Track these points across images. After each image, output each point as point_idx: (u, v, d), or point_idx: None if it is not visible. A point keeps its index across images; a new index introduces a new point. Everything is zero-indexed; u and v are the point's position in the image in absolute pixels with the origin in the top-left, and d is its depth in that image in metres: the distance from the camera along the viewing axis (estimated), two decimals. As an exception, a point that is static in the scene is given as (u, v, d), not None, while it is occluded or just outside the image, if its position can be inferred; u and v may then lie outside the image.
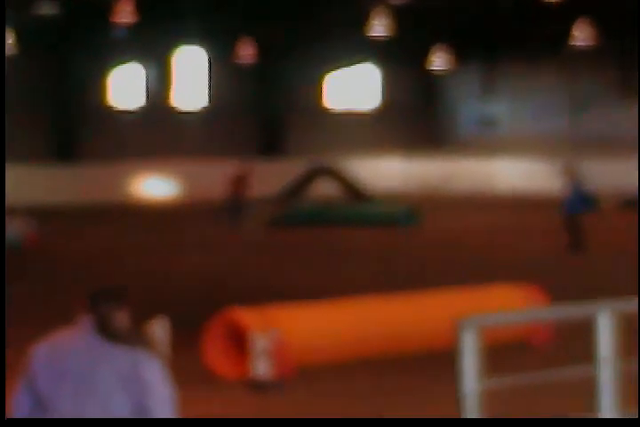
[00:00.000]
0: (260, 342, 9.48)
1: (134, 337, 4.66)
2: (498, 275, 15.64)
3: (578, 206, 20.31)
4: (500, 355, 10.43)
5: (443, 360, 9.78)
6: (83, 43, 34.74)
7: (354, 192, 28.93)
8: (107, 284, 5.28)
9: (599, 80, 39.78)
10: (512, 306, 10.52)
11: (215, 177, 35.31)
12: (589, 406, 5.05)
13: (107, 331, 4.64)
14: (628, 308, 5.28)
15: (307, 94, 40.43)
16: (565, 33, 35.27)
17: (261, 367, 9.46)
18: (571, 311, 5.16)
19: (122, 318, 4.66)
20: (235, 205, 25.95)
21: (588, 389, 5.17)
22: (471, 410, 4.55)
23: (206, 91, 39.06)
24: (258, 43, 35.89)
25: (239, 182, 26.48)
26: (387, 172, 38.95)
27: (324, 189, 30.82)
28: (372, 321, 10.51)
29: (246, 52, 36.18)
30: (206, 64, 38.95)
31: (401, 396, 9.35)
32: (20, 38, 32.00)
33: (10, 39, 31.30)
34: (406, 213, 25.96)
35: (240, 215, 25.52)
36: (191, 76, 38.79)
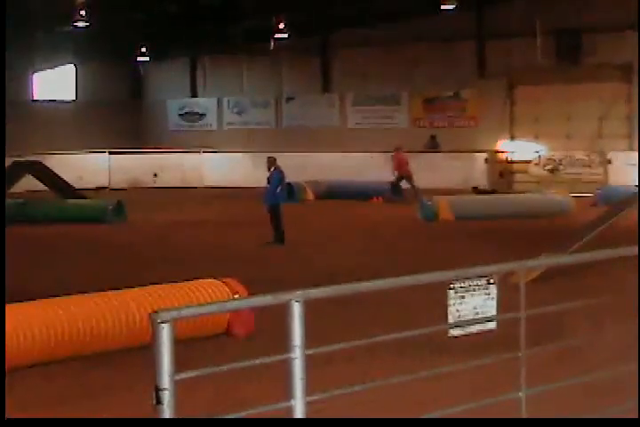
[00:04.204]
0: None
1: None
2: (202, 269, 15.83)
3: (278, 197, 20.78)
4: (202, 347, 10.62)
5: (146, 356, 9.82)
6: None
7: (59, 188, 28.34)
8: None
9: (302, 74, 40.86)
10: (214, 299, 10.70)
11: None
12: (286, 391, 5.21)
13: None
14: (319, 295, 5.48)
15: (9, 89, 39.24)
16: (268, 28, 35.99)
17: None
18: (264, 301, 5.28)
19: None
20: None
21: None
22: (168, 404, 4.61)
23: None
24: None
25: None
26: (93, 166, 38.44)
27: (29, 184, 30.08)
28: (75, 320, 10.38)
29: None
30: None
31: (104, 395, 9.30)
32: None
33: None
34: (113, 209, 25.70)
35: None
36: None
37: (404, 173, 30.46)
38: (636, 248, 6.00)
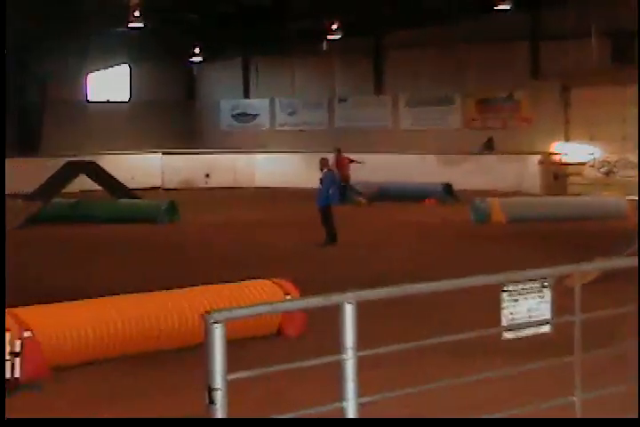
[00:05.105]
0: (13, 344, 9.26)
1: None
2: (254, 269, 15.86)
3: (330, 198, 20.76)
4: (253, 347, 10.62)
5: (198, 356, 9.85)
6: None
7: (113, 188, 28.55)
8: None
9: (354, 75, 40.82)
10: (266, 300, 10.71)
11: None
12: (337, 393, 5.19)
13: None
14: (371, 297, 5.45)
15: (64, 89, 39.62)
16: (320, 29, 36.01)
17: (14, 370, 9.25)
18: (316, 302, 5.27)
19: None
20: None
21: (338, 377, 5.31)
22: (221, 404, 4.61)
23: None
24: (11, 36, 34.81)
25: None
26: (147, 167, 38.68)
27: (84, 184, 30.33)
28: (128, 320, 10.44)
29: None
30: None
31: (157, 394, 9.33)
32: None
33: None
34: (166, 209, 25.83)
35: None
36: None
37: (342, 174, 30.78)
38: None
